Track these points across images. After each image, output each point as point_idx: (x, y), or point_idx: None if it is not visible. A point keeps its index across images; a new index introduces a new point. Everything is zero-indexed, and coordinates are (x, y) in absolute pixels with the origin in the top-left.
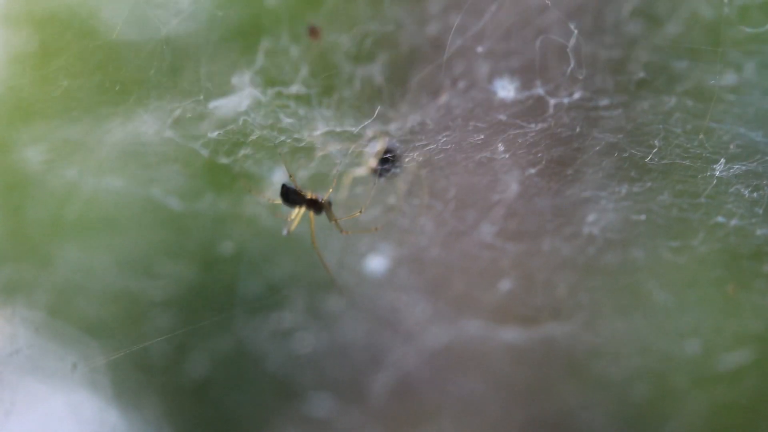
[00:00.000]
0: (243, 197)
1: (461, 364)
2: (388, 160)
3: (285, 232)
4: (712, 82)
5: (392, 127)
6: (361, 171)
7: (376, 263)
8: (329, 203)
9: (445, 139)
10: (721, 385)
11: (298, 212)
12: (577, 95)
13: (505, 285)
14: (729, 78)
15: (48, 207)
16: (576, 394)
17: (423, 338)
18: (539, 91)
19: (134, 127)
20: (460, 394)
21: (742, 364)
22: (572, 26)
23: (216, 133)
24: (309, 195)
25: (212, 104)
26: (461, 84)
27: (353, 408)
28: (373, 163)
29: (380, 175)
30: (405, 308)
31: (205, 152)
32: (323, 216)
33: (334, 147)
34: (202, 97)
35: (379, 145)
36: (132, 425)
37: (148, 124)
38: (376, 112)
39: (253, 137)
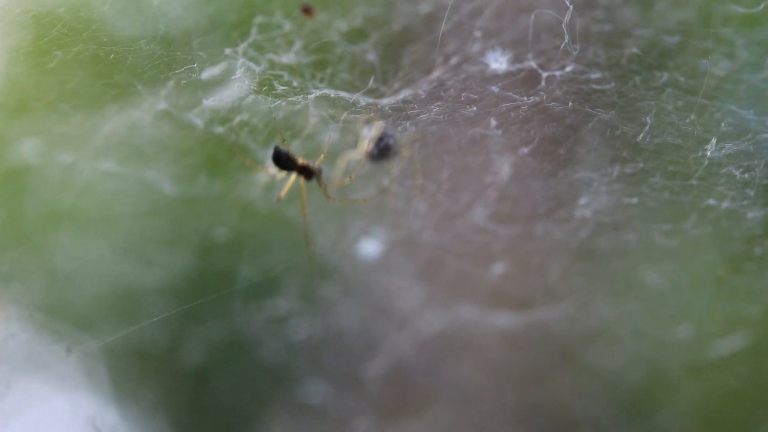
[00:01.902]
0: (237, 178)
1: (455, 350)
2: (382, 144)
3: (275, 199)
4: (704, 62)
5: (385, 101)
6: (356, 154)
7: (370, 247)
8: (320, 170)
9: (437, 109)
10: (715, 370)
11: (289, 177)
12: (569, 68)
13: (498, 269)
14: (720, 56)
15: (44, 196)
16: (570, 380)
17: (417, 324)
18: (531, 63)
19: (129, 104)
20: (455, 380)
21: (736, 349)
22: (566, 1)
23: (210, 100)
24: (300, 161)
25: (205, 73)
26: (454, 59)
27: (348, 394)
28: (368, 146)
29: (375, 158)
30: (399, 293)
31: (199, 122)
32: (319, 198)
33: (327, 112)
34: (195, 65)
35: (374, 130)
36: (126, 411)
37: (141, 97)
38: (369, 83)
39: (247, 101)
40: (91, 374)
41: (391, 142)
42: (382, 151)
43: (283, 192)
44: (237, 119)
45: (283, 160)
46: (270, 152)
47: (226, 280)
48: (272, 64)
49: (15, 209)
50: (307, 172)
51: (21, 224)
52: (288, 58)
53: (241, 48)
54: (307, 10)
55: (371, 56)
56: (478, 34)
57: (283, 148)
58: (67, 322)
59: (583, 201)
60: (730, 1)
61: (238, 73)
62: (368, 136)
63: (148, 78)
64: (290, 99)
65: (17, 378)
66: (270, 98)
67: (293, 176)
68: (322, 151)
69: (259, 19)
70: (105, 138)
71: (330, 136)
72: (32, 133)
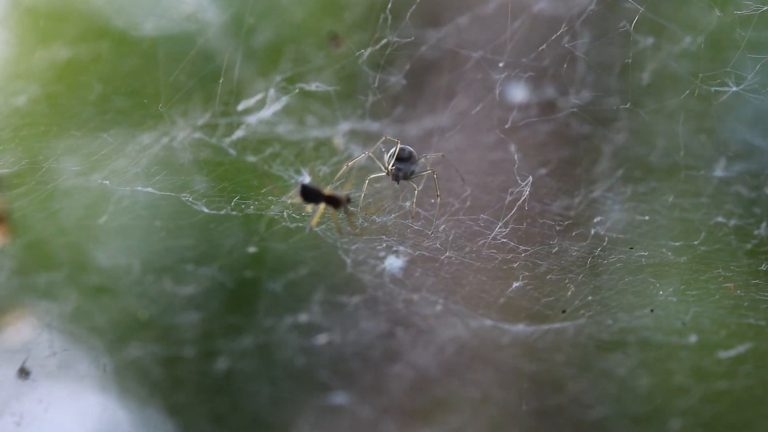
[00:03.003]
0: (269, 200)
1: (473, 359)
2: (403, 161)
3: (307, 228)
4: (713, 88)
5: (409, 128)
6: (378, 173)
7: (393, 263)
8: (348, 199)
9: (458, 137)
10: (721, 378)
11: (318, 209)
12: (585, 97)
13: (516, 284)
14: (731, 87)
15: (80, 214)
16: (584, 386)
17: (436, 335)
18: (549, 93)
19: (165, 130)
20: (473, 387)
21: (740, 353)
22: (582, 33)
23: (243, 132)
24: (328, 192)
25: (239, 106)
26: (475, 89)
27: (369, 401)
28: (389, 164)
29: (396, 176)
30: (419, 306)
31: (232, 151)
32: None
33: (354, 145)
34: (229, 98)
35: (394, 148)
36: (153, 416)
37: (178, 127)
38: (395, 113)
39: (277, 133)
40: (122, 387)
41: (413, 155)
42: (403, 167)
43: (314, 222)
44: (268, 151)
45: (310, 195)
46: (298, 189)
47: (253, 291)
48: (302, 94)
49: (54, 227)
50: (335, 203)
51: (59, 242)
52: (317, 87)
53: (272, 80)
54: (335, 41)
55: (396, 84)
56: (498, 63)
57: (310, 184)
58: (101, 337)
59: (597, 219)
60: (739, 27)
61: (270, 106)
62: (389, 153)
63: (183, 111)
64: (317, 133)
65: (57, 392)
66: (300, 129)
67: (322, 206)
68: (349, 179)
69: (289, 52)
70: (141, 162)
71: (355, 164)
72: (70, 153)
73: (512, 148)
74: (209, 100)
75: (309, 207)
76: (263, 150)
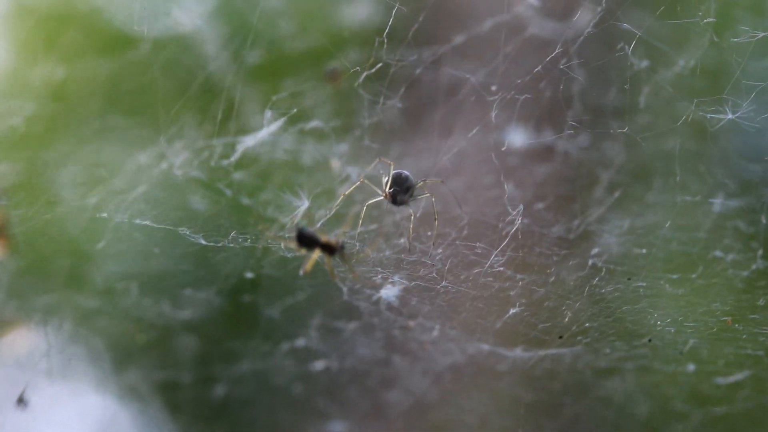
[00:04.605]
0: (264, 236)
1: (470, 384)
2: (400, 185)
3: (301, 272)
4: (711, 118)
5: (406, 163)
6: (375, 198)
7: (389, 292)
8: (342, 247)
9: (455, 179)
10: (720, 403)
11: (313, 254)
12: (582, 139)
13: (513, 312)
14: (727, 115)
15: (79, 235)
16: (581, 412)
17: (433, 361)
18: (547, 135)
19: (164, 164)
20: (470, 414)
21: (739, 382)
22: (577, 74)
23: (238, 175)
24: (323, 239)
25: (237, 143)
26: (472, 128)
27: (366, 428)
28: (386, 189)
29: (394, 199)
30: (416, 333)
31: (228, 192)
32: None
33: (351, 187)
34: (225, 135)
35: (392, 172)
36: None
37: (176, 161)
38: (391, 149)
39: (273, 177)
40: (119, 406)
41: (410, 181)
42: (400, 194)
43: (308, 266)
44: (262, 197)
45: (306, 241)
46: (294, 233)
47: (250, 318)
48: (300, 132)
49: (52, 247)
50: (330, 249)
51: (57, 262)
52: (315, 124)
53: (270, 116)
54: (333, 76)
55: (393, 119)
56: (495, 103)
57: (305, 229)
58: (98, 358)
59: (594, 251)
60: (738, 61)
61: (266, 143)
62: (386, 179)
63: (182, 147)
64: (314, 176)
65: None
66: (295, 174)
67: (317, 252)
68: (345, 222)
69: (287, 86)
70: (139, 188)
71: (349, 194)
72: (69, 177)
73: (508, 186)
74: (207, 130)
75: (304, 250)
76: (257, 195)
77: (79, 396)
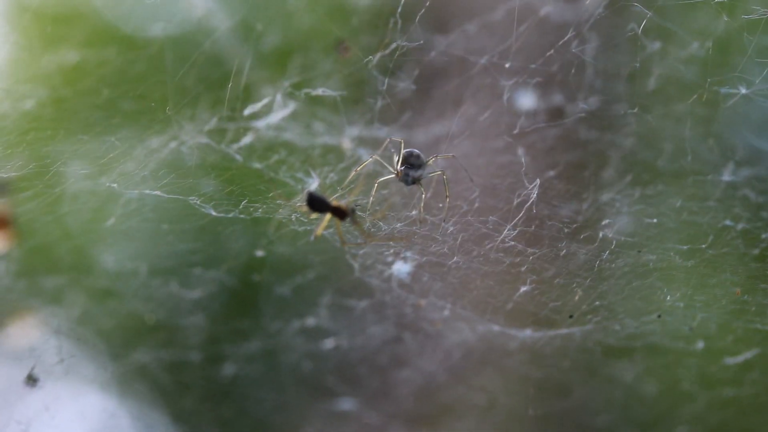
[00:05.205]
0: (275, 204)
1: (480, 364)
2: (412, 164)
3: (312, 237)
4: (722, 90)
5: (417, 134)
6: (387, 176)
7: (400, 268)
8: (353, 210)
9: (467, 143)
10: (728, 385)
11: (324, 218)
12: (593, 103)
13: (523, 290)
14: (738, 85)
15: (87, 217)
16: (590, 392)
17: (444, 340)
18: (558, 99)
19: (172, 135)
20: (479, 393)
21: (748, 362)
22: (590, 40)
23: (249, 138)
24: (334, 202)
25: (246, 111)
26: (483, 95)
27: (376, 407)
28: (397, 167)
29: (405, 179)
30: (427, 311)
31: (239, 157)
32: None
33: (362, 151)
34: (236, 104)
35: (402, 150)
36: (158, 424)
37: (184, 131)
38: (403, 119)
39: (284, 139)
40: (128, 391)
41: (421, 157)
42: (412, 170)
43: (319, 231)
44: (275, 158)
45: (317, 205)
46: (304, 196)
47: (260, 295)
48: (309, 99)
49: (61, 231)
50: (340, 213)
51: (66, 246)
52: (324, 93)
53: (279, 85)
54: (342, 48)
55: (404, 90)
56: (506, 69)
57: (316, 191)
58: (109, 341)
59: (605, 221)
60: (747, 32)
61: (277, 112)
62: (397, 156)
63: (190, 116)
64: (325, 139)
65: (64, 398)
66: (307, 137)
67: (328, 216)
68: (357, 185)
69: (297, 58)
70: (149, 165)
71: (357, 171)
72: (78, 157)
73: (520, 151)
74: (217, 105)
75: (315, 215)
76: (269, 156)
77: (87, 381)
